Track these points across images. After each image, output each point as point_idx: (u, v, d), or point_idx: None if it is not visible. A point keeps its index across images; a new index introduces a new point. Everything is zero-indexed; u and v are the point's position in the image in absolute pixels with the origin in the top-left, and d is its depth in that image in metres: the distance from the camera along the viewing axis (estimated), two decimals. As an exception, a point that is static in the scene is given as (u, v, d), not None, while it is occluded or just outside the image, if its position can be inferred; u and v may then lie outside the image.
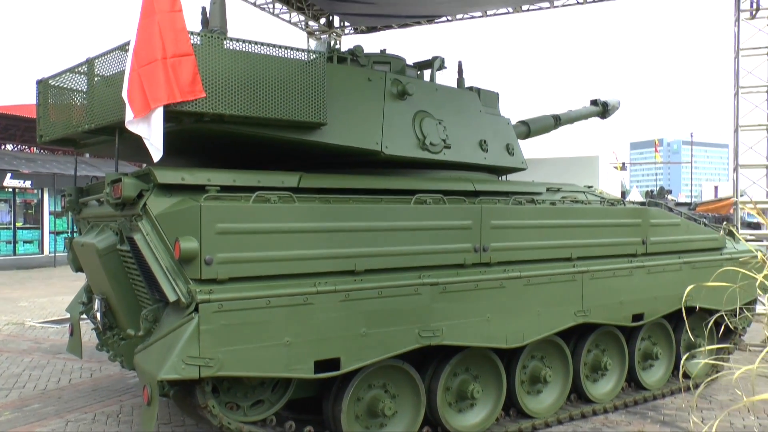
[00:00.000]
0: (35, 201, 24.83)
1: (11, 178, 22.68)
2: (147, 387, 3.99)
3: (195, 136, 4.59)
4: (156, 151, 4.00)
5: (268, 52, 4.47)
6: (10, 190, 23.34)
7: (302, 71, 4.60)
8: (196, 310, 3.89)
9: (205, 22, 4.72)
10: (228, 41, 4.39)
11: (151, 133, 3.96)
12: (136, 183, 4.23)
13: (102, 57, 4.70)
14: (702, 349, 5.63)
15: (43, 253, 24.21)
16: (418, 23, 13.33)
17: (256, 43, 4.47)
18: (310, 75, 4.63)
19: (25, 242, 24.20)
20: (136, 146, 4.75)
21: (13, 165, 23.68)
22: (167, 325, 4.13)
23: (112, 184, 4.31)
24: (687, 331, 6.89)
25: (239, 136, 4.62)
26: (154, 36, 3.94)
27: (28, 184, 23.54)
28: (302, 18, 13.28)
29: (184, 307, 3.97)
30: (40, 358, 8.55)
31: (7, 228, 23.53)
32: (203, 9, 4.75)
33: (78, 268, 6.16)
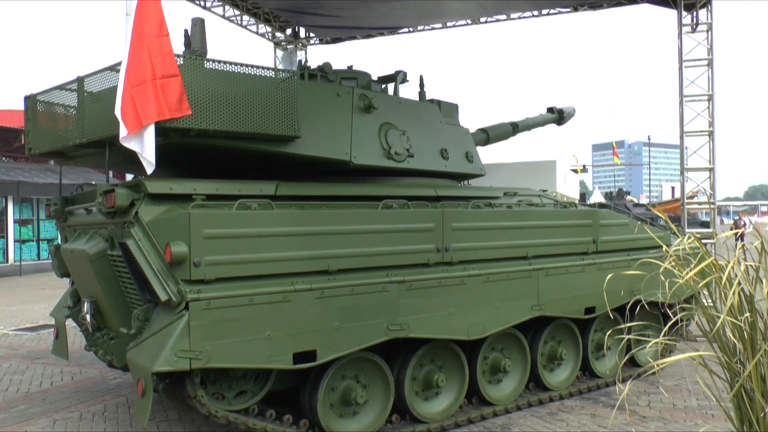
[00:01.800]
0: (-2, 210, 24.52)
1: (-26, 186, 22.33)
2: (141, 380, 4.35)
3: (181, 150, 4.95)
4: (149, 164, 4.37)
5: (246, 72, 4.87)
6: (-27, 198, 22.97)
7: (277, 89, 5.01)
8: (187, 308, 4.26)
9: (187, 43, 5.08)
10: (208, 62, 4.78)
11: (144, 148, 4.34)
12: (128, 193, 4.58)
13: (93, 76, 5.05)
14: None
15: (7, 261, 23.89)
16: (381, 34, 13.80)
17: (234, 63, 4.87)
18: (285, 92, 5.04)
19: (-12, 251, 23.89)
20: (123, 158, 5.12)
21: (-26, 173, 23.38)
22: (158, 322, 4.49)
23: (105, 194, 4.66)
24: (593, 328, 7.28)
25: (221, 149, 5.01)
26: (144, 59, 4.31)
27: (-12, 191, 23.20)
28: (269, 29, 13.65)
29: (174, 306, 4.34)
30: (19, 363, 8.74)
31: (-30, 237, 23.20)
32: (185, 31, 5.11)
33: (64, 274, 6.46)
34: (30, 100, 5.85)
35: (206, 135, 4.73)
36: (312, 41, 14.20)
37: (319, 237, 4.88)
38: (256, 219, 4.62)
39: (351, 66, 6.34)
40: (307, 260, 4.80)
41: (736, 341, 2.59)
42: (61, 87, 5.47)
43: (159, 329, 4.41)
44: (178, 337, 4.21)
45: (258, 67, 4.93)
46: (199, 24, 5.07)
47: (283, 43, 13.97)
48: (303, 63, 6.26)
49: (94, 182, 26.36)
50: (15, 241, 23.93)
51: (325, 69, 6.03)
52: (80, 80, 5.20)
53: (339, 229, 4.99)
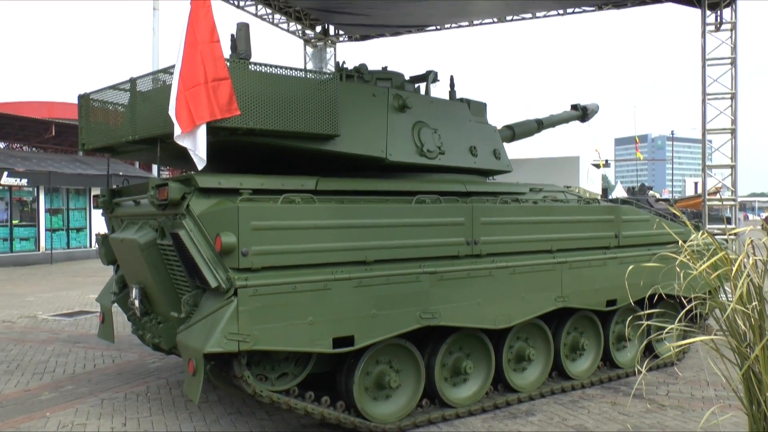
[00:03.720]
0: (30, 199, 25.11)
1: (8, 176, 22.90)
2: (192, 360, 4.69)
3: (227, 147, 5.28)
4: (200, 161, 4.71)
5: (289, 74, 5.19)
6: (6, 188, 23.55)
7: (318, 90, 5.32)
8: (235, 294, 4.60)
9: (233, 47, 5.39)
10: (252, 65, 5.10)
11: (197, 145, 4.67)
12: (180, 187, 4.91)
13: (145, 77, 5.39)
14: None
15: (39, 250, 24.53)
16: (409, 32, 14.06)
17: (277, 66, 5.19)
18: (325, 93, 5.35)
19: (21, 239, 24.51)
20: (171, 154, 5.47)
21: (8, 163, 23.96)
22: (207, 307, 4.83)
23: (158, 188, 5.00)
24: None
25: (265, 146, 5.34)
26: (197, 63, 4.65)
27: (24, 182, 23.82)
28: (299, 27, 13.99)
29: (223, 292, 4.67)
30: (62, 346, 9.16)
31: (3, 225, 23.83)
32: (232, 36, 5.43)
33: (110, 262, 6.82)
34: (83, 98, 6.22)
35: (252, 133, 5.06)
36: (341, 39, 14.51)
37: (357, 230, 5.18)
38: (299, 212, 4.94)
39: (385, 67, 6.63)
40: (346, 251, 5.10)
41: (745, 328, 2.87)
42: (114, 87, 5.83)
43: (208, 313, 4.74)
44: (228, 320, 4.54)
45: (300, 69, 5.25)
46: (244, 28, 5.37)
47: (312, 41, 14.30)
48: (341, 64, 6.54)
49: (121, 173, 27.02)
50: (46, 230, 24.61)
51: (361, 70, 6.33)
52: (133, 81, 5.55)
53: (376, 222, 5.29)
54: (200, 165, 4.76)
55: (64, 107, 34.39)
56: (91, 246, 26.15)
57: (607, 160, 47.85)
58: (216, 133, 4.92)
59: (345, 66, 6.39)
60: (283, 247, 4.82)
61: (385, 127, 6.05)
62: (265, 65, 5.12)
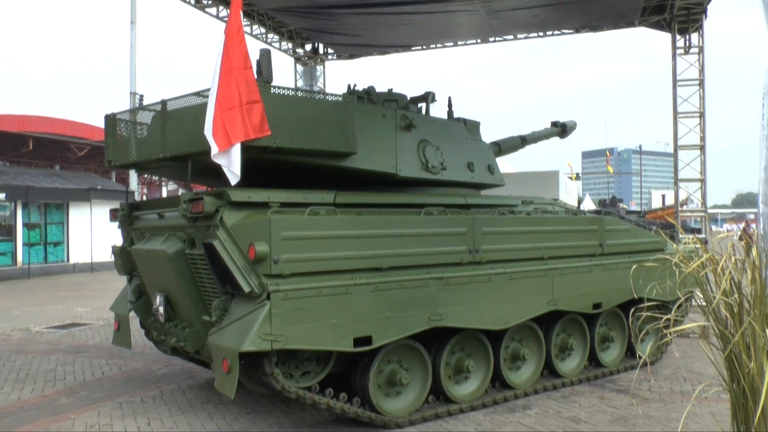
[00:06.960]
0: (7, 213, 24.97)
1: (-15, 191, 22.80)
2: (227, 359, 5.12)
3: (254, 164, 5.73)
4: (234, 177, 5.16)
5: (313, 97, 5.69)
6: (-16, 202, 23.44)
7: (338, 111, 5.82)
8: (268, 298, 5.05)
9: (259, 72, 5.86)
10: (274, 88, 5.58)
11: (232, 162, 5.13)
12: (214, 201, 5.36)
13: (177, 99, 5.84)
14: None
15: (16, 265, 24.45)
16: (397, 51, 14.64)
17: (299, 89, 5.69)
18: (344, 114, 5.86)
19: (-2, 254, 24.36)
20: (198, 170, 5.91)
21: (-15, 178, 23.89)
22: (238, 311, 5.26)
23: (191, 201, 5.42)
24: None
25: (290, 163, 5.81)
26: (232, 88, 5.11)
27: (2, 196, 23.71)
28: (291, 46, 14.47)
29: (255, 297, 5.11)
30: (65, 356, 9.39)
31: (-19, 241, 23.70)
32: (258, 62, 5.90)
33: (127, 272, 7.19)
34: (110, 118, 6.63)
35: (281, 151, 5.54)
36: (330, 57, 15.03)
37: (373, 239, 5.67)
38: (323, 223, 5.41)
39: (391, 89, 7.16)
40: (364, 259, 5.59)
41: (728, 315, 3.46)
42: (144, 108, 6.26)
43: (240, 317, 5.18)
44: (262, 322, 4.98)
45: (321, 92, 5.76)
46: (266, 54, 5.82)
47: (303, 59, 14.79)
48: (351, 87, 7.05)
49: (99, 186, 27.12)
50: (23, 244, 24.51)
51: (370, 92, 6.86)
52: (164, 103, 5.99)
53: (390, 232, 5.79)
54: (234, 181, 5.21)
55: (38, 120, 34.34)
56: (68, 260, 26.18)
57: (577, 173, 49.01)
58: (246, 151, 5.36)
59: (356, 88, 6.90)
60: (309, 255, 5.28)
61: (395, 145, 6.57)
62: (288, 88, 5.61)
